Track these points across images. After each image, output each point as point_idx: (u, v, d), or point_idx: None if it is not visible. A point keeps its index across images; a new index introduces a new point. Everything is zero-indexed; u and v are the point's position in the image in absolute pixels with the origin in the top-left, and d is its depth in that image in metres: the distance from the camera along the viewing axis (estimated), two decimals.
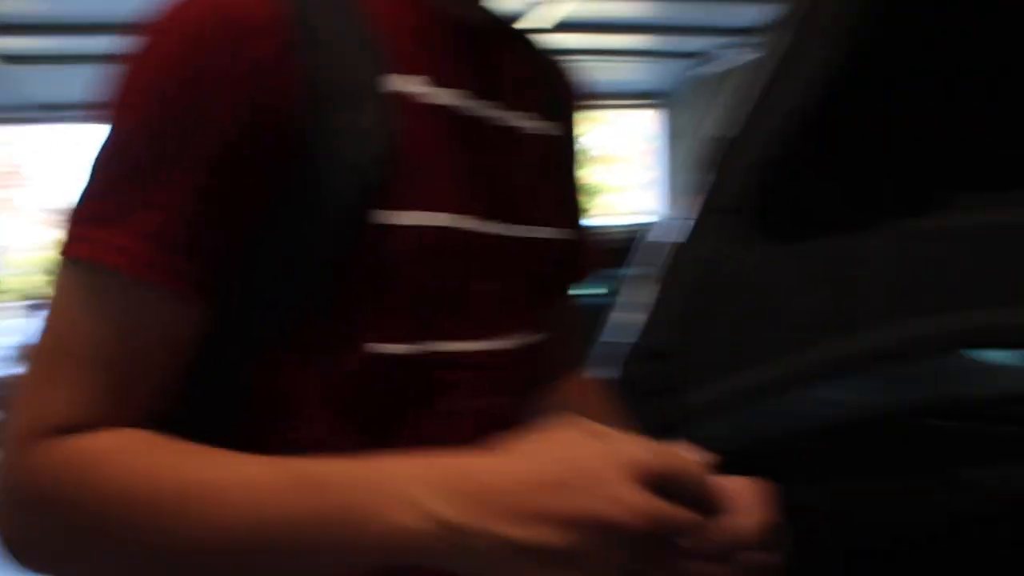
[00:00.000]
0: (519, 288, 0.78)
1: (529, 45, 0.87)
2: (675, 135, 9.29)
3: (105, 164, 0.63)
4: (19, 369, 0.62)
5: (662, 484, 0.55)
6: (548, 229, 0.81)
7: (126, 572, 0.61)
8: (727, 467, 1.45)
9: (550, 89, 0.87)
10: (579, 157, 0.91)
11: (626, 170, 17.39)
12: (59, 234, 0.63)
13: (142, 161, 0.61)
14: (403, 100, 0.66)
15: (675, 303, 1.25)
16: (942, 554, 1.50)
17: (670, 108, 9.48)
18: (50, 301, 0.62)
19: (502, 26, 0.82)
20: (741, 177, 1.13)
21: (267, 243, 0.63)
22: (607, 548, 0.53)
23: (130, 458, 0.59)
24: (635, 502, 0.53)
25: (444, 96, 0.70)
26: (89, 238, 0.60)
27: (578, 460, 0.55)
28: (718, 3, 6.17)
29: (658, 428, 1.32)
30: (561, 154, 0.88)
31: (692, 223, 1.17)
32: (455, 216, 0.69)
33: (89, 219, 0.61)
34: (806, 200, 1.30)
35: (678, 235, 1.20)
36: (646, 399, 1.36)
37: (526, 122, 0.80)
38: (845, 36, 1.04)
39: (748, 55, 1.05)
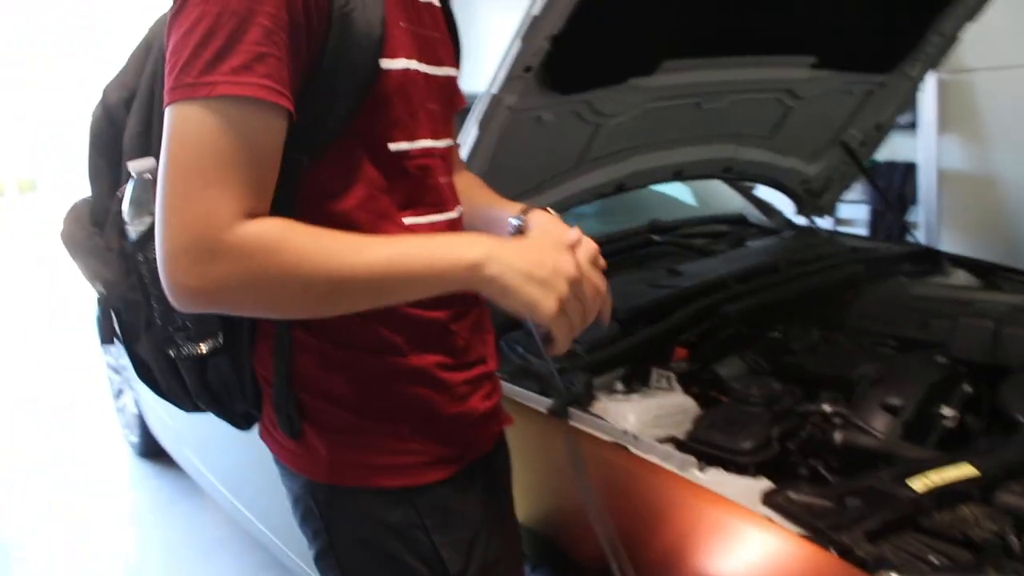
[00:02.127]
0: (445, 107, 1.20)
1: None
2: None
3: (215, 31, 0.91)
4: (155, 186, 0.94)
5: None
6: (451, 69, 1.23)
7: (311, 297, 0.97)
8: None
9: None
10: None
11: None
12: (180, 84, 0.91)
13: (252, 26, 0.92)
14: None
15: (491, 138, 1.69)
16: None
17: None
18: (179, 134, 0.92)
19: None
20: (534, 47, 1.58)
21: (318, 80, 1.00)
22: (564, 283, 1.00)
23: (298, 231, 0.95)
24: (578, 263, 1.02)
25: None
26: (233, 81, 0.91)
27: (558, 242, 1.05)
28: None
29: None
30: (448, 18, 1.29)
31: (502, 78, 1.61)
32: (414, 61, 1.10)
33: (224, 70, 0.91)
34: (578, 63, 1.77)
35: (492, 88, 1.63)
36: None
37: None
38: None
39: None
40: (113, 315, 1.25)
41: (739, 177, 2.73)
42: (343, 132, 1.04)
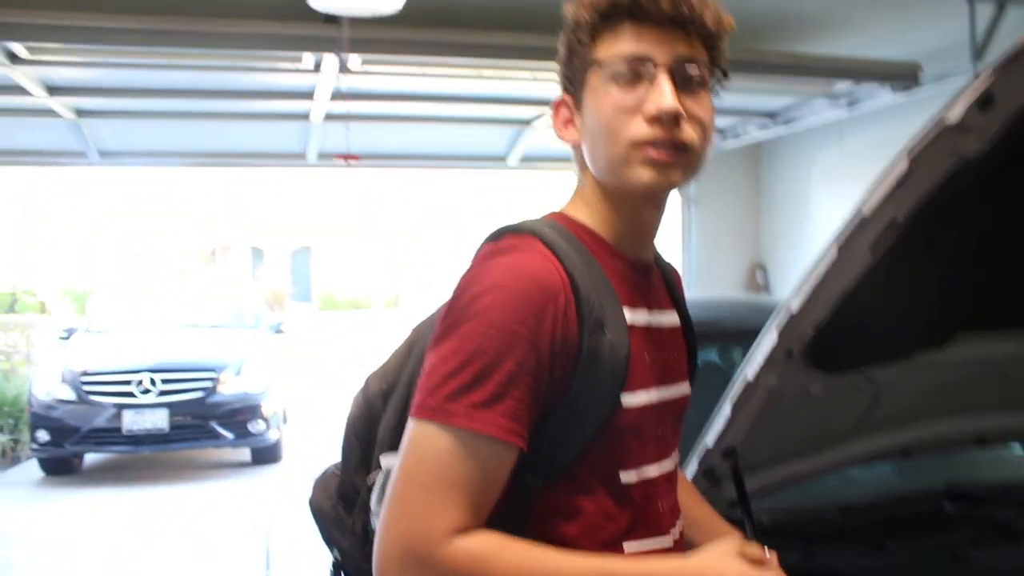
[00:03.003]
0: (675, 425, 1.24)
1: (659, 260, 1.31)
2: None
3: (466, 366, 1.01)
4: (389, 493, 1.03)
5: None
6: (685, 385, 1.26)
7: None
8: (777, 533, 1.84)
9: (670, 282, 1.32)
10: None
11: None
12: (425, 405, 1.02)
13: (499, 368, 1.01)
14: (631, 325, 1.12)
15: (747, 416, 1.64)
16: None
17: None
18: (415, 446, 1.02)
19: (655, 257, 1.27)
20: (795, 335, 1.53)
21: (562, 413, 1.07)
22: None
23: (507, 549, 1.02)
24: None
25: (642, 317, 1.16)
26: (472, 415, 1.00)
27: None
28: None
29: (728, 504, 1.73)
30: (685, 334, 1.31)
31: (759, 363, 1.57)
32: (653, 391, 1.15)
33: (466, 403, 1.00)
34: (850, 343, 1.69)
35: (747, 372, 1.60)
36: (716, 484, 1.77)
37: (671, 317, 1.25)
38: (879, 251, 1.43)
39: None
40: None
41: None
42: (577, 460, 1.10)
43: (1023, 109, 1.31)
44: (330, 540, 1.34)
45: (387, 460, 1.20)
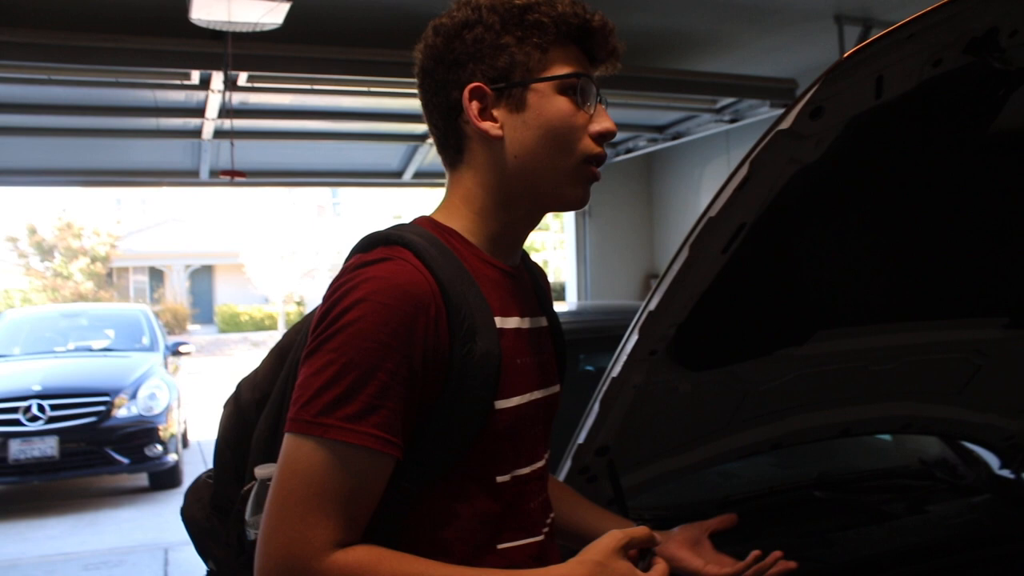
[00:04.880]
0: (547, 425, 1.29)
1: (527, 262, 1.35)
2: None
3: (339, 379, 1.03)
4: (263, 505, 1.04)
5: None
6: (556, 387, 1.31)
7: None
8: (658, 528, 1.90)
9: (538, 286, 1.36)
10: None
11: None
12: (299, 418, 1.03)
13: (372, 380, 1.03)
14: (502, 331, 1.16)
15: (616, 414, 1.70)
16: None
17: None
18: (291, 460, 1.03)
19: (522, 262, 1.32)
20: (656, 335, 1.60)
21: (433, 421, 1.10)
22: None
23: (384, 562, 1.04)
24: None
25: (513, 322, 1.20)
26: (346, 428, 1.02)
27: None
28: None
29: (606, 502, 1.79)
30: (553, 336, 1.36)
31: (623, 362, 1.63)
32: (527, 395, 1.20)
33: (339, 415, 1.02)
34: (713, 342, 1.78)
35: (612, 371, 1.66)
36: (592, 482, 1.83)
37: (540, 321, 1.30)
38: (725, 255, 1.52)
39: None
40: None
41: (923, 432, 2.55)
42: (452, 466, 1.12)
43: (855, 119, 1.41)
44: (204, 551, 1.34)
45: (261, 470, 1.20)
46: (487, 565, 1.15)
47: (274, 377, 1.30)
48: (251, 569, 1.21)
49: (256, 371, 1.35)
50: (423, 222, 1.22)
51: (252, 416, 1.30)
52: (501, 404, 1.14)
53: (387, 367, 1.04)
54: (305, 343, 1.13)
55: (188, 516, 1.36)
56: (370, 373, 1.03)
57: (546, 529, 1.26)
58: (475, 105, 1.18)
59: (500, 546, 1.17)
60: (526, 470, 1.22)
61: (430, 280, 1.09)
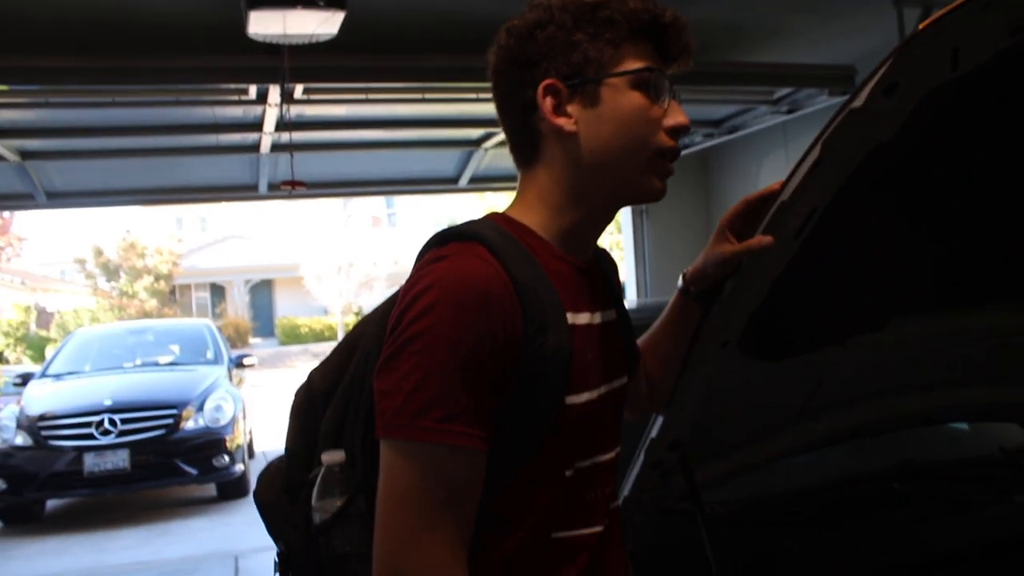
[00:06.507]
0: (617, 416, 1.29)
1: (599, 252, 1.36)
2: None
3: (427, 381, 1.03)
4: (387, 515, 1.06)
5: None
6: (624, 378, 1.31)
7: None
8: (733, 522, 1.88)
9: (608, 279, 1.36)
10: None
11: None
12: (395, 424, 1.05)
13: (456, 380, 1.04)
14: (573, 326, 1.15)
15: (689, 407, 1.68)
16: None
17: None
18: (393, 468, 1.05)
19: (595, 255, 1.33)
20: (730, 323, 1.57)
21: (505, 416, 1.09)
22: None
23: None
24: None
25: (584, 318, 1.20)
26: (443, 430, 1.03)
27: None
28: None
29: (678, 497, 1.77)
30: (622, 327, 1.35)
31: (693, 352, 1.60)
32: (596, 391, 1.19)
33: (434, 416, 1.03)
34: (787, 331, 1.74)
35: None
36: (666, 476, 1.80)
37: (610, 314, 1.30)
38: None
39: None
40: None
41: (1005, 419, 2.47)
42: (522, 459, 1.13)
43: (930, 95, 1.37)
44: (275, 533, 1.35)
45: (328, 456, 1.21)
46: (544, 553, 1.15)
47: (344, 366, 1.31)
48: (316, 551, 1.23)
49: (326, 361, 1.36)
50: (496, 218, 1.23)
51: (321, 404, 1.32)
52: (572, 400, 1.14)
53: (470, 365, 1.04)
54: (378, 334, 1.14)
55: (261, 499, 1.37)
56: (456, 372, 1.04)
57: (607, 520, 1.25)
58: (549, 101, 1.19)
59: (556, 535, 1.17)
60: (592, 462, 1.21)
61: (503, 275, 1.09)
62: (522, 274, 1.11)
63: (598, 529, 1.22)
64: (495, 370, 1.06)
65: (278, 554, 1.36)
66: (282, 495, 1.35)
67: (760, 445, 2.03)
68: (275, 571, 1.36)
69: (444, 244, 1.15)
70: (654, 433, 1.70)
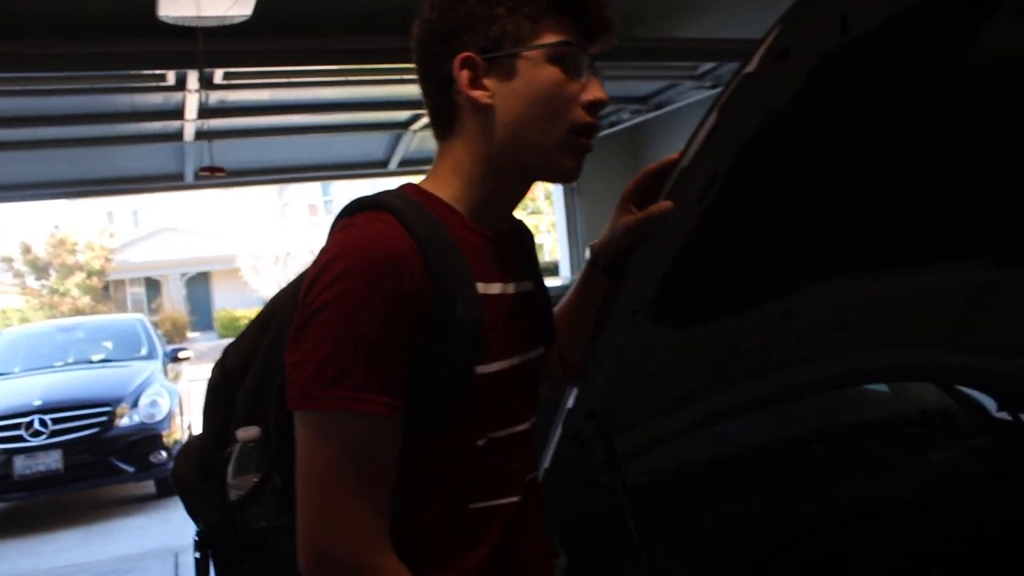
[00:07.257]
0: (532, 387, 1.29)
1: (520, 229, 1.36)
2: None
3: (339, 350, 1.03)
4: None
5: None
6: (540, 349, 1.32)
7: None
8: (655, 492, 1.90)
9: (525, 246, 1.37)
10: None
11: None
12: (308, 394, 1.03)
13: (367, 348, 1.03)
14: (484, 296, 1.15)
15: (602, 378, 1.68)
16: (807, 557, 1.93)
17: None
18: (309, 440, 1.05)
19: (515, 228, 1.33)
20: (637, 290, 1.58)
21: (416, 385, 1.09)
22: None
23: None
24: None
25: (496, 288, 1.21)
26: (355, 398, 1.03)
27: None
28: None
29: (598, 469, 1.78)
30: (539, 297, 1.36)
31: (604, 323, 1.61)
32: (507, 361, 1.19)
33: (347, 385, 1.03)
34: (694, 298, 1.75)
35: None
36: (584, 447, 1.81)
37: (526, 285, 1.30)
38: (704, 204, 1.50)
39: None
40: (210, 555, 1.35)
41: (918, 379, 2.53)
42: (431, 429, 1.13)
43: (821, 60, 1.38)
44: (192, 511, 1.34)
45: (242, 433, 1.21)
46: (458, 524, 1.16)
47: (258, 341, 1.30)
48: (234, 528, 1.22)
49: (241, 336, 1.35)
50: (408, 189, 1.23)
51: (236, 380, 1.30)
52: (482, 369, 1.15)
53: (381, 332, 1.04)
54: (292, 307, 1.13)
55: (177, 477, 1.37)
56: (367, 341, 1.04)
57: (525, 491, 1.26)
58: (466, 74, 1.18)
59: (472, 505, 1.18)
60: (507, 432, 1.22)
61: (410, 242, 1.09)
62: (430, 242, 1.11)
63: (515, 499, 1.22)
64: (404, 334, 1.06)
65: (197, 532, 1.34)
66: (198, 473, 1.34)
67: (677, 415, 2.05)
68: (195, 550, 1.35)
69: (354, 214, 1.15)
70: (570, 404, 1.70)
